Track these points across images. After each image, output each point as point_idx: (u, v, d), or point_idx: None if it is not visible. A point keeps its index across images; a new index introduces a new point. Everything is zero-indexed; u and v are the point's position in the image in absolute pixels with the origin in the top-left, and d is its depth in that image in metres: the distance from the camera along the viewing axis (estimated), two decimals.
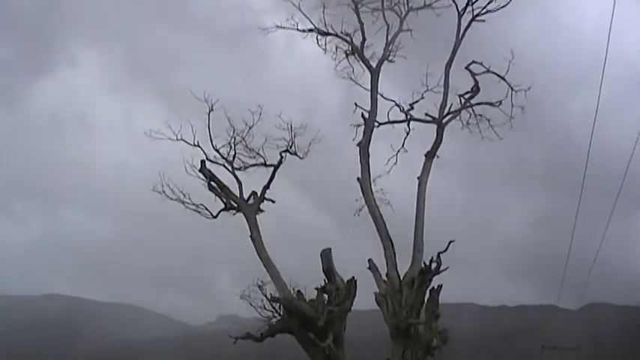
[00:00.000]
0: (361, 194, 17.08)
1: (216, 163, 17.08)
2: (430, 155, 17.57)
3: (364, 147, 17.41)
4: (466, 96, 18.15)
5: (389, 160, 18.37)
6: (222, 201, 16.96)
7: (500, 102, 18.03)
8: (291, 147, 17.01)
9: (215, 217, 17.00)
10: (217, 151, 17.04)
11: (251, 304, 14.77)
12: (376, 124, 17.91)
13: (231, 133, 17.01)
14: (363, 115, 17.71)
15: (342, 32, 18.52)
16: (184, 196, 16.86)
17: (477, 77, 18.04)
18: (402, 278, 16.15)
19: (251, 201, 16.89)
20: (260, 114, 16.95)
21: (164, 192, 16.74)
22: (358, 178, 17.18)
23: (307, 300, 14.93)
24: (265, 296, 14.76)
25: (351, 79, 18.69)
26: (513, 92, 17.88)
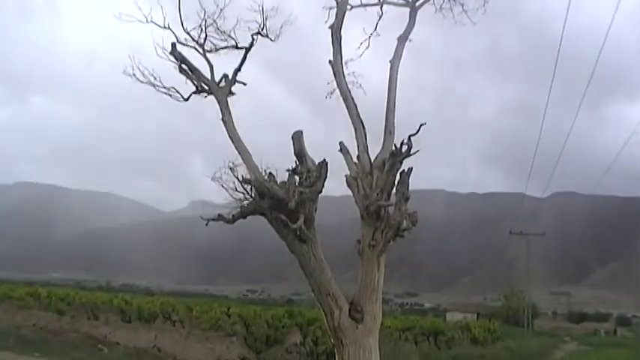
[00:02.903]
0: (333, 77, 16.94)
1: (187, 45, 16.71)
2: (402, 39, 17.32)
3: (336, 29, 17.11)
4: None
5: (361, 44, 18.11)
6: (194, 84, 16.74)
7: None
8: (262, 29, 16.67)
9: (186, 100, 16.80)
10: (188, 33, 16.62)
11: (222, 186, 14.77)
12: (349, 6, 17.55)
13: (202, 15, 16.61)
14: None
15: None
16: (155, 79, 16.59)
17: None
18: (372, 161, 16.31)
19: (222, 84, 16.71)
20: None
21: (134, 75, 16.40)
22: (330, 61, 16.96)
23: (278, 182, 14.98)
24: (237, 178, 14.74)
25: None
26: None
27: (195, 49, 16.82)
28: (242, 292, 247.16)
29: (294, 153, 15.35)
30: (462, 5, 18.00)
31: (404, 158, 15.80)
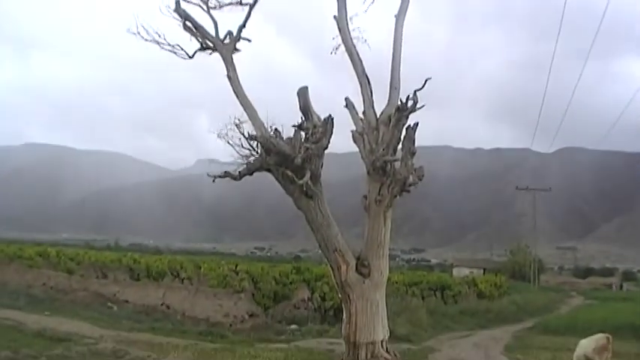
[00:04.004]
0: (338, 33, 16.82)
1: (191, 2, 16.65)
2: None
3: None
4: None
5: None
6: (198, 41, 16.68)
7: None
8: None
9: (191, 57, 16.76)
10: None
11: (228, 143, 14.80)
12: None
13: None
14: None
15: None
16: (159, 36, 16.53)
17: None
18: (378, 116, 16.28)
19: (227, 41, 16.63)
20: None
21: (139, 33, 16.37)
22: (335, 17, 16.86)
23: (284, 138, 14.98)
24: (242, 135, 14.76)
25: None
26: None
27: (199, 6, 16.71)
28: (250, 249, 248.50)
29: (300, 109, 15.31)
30: None
31: (410, 113, 15.76)
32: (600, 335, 16.51)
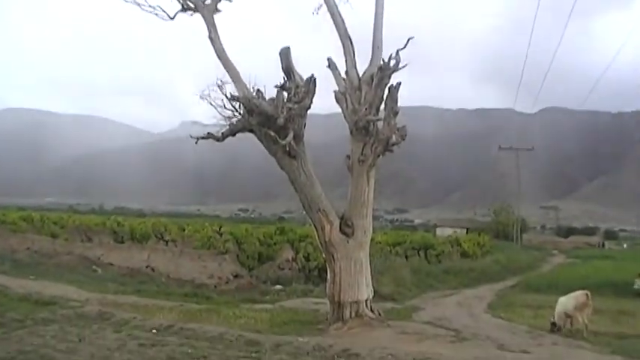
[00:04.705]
0: None
1: None
2: None
3: None
4: None
5: None
6: (179, 2, 16.54)
7: None
8: None
9: (172, 18, 16.60)
10: None
11: (211, 104, 14.74)
12: None
13: None
14: None
15: None
16: None
17: None
18: (361, 76, 16.26)
19: (208, 1, 16.48)
20: None
21: None
22: None
23: (267, 98, 14.94)
24: (225, 95, 14.70)
25: None
26: None
27: None
28: (233, 211, 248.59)
29: (282, 69, 15.26)
30: None
31: (392, 72, 15.75)
32: (580, 292, 16.77)
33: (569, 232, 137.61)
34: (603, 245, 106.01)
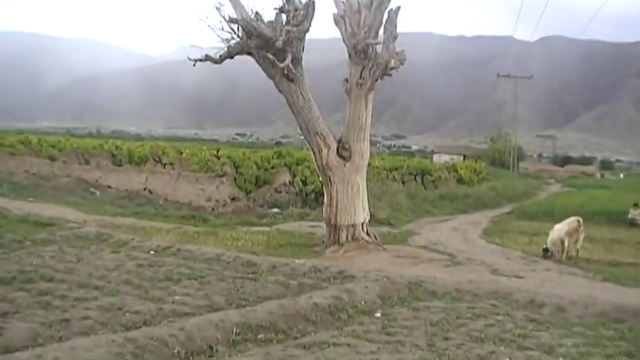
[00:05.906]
0: None
1: None
2: None
3: None
4: None
5: None
6: None
7: None
8: None
9: None
10: None
11: (209, 26, 14.56)
12: None
13: None
14: None
15: None
16: None
17: None
18: None
19: None
20: None
21: None
22: None
23: (266, 21, 14.76)
24: (223, 18, 14.51)
25: None
26: None
27: None
28: (231, 135, 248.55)
29: None
30: None
31: None
32: (572, 218, 16.95)
33: (565, 161, 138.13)
34: (603, 177, 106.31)
